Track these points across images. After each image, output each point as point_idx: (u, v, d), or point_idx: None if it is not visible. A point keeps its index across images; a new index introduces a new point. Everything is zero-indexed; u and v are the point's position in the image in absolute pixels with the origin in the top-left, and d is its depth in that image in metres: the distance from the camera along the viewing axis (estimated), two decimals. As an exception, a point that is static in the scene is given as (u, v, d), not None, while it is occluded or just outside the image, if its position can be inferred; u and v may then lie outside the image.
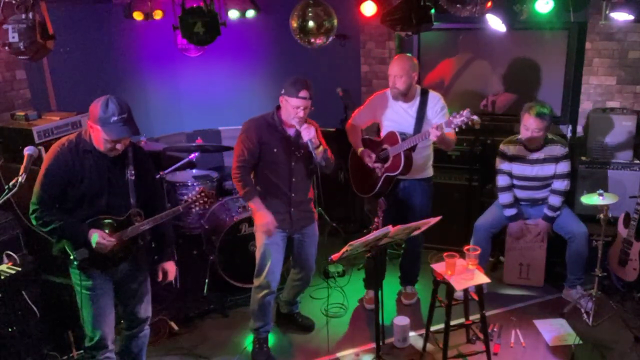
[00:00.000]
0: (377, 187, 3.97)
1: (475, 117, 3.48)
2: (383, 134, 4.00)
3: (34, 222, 2.77)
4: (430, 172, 4.09)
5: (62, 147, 2.76)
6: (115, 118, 2.63)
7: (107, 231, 2.80)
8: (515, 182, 4.20)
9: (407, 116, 3.88)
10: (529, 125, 3.94)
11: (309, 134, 3.25)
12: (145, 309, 3.15)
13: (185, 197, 3.07)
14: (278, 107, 3.44)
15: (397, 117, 3.90)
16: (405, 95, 3.83)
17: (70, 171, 2.72)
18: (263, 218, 3.42)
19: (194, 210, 3.15)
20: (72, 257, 2.78)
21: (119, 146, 2.74)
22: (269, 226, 3.42)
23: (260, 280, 3.58)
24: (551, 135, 4.09)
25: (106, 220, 2.82)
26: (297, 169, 3.48)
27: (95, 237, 2.74)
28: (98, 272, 2.89)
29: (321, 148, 3.38)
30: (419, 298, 4.35)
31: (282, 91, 3.33)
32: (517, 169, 4.15)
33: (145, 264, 3.09)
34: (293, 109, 3.28)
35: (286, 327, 4.05)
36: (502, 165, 4.19)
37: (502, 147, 4.20)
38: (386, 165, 3.92)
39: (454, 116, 3.53)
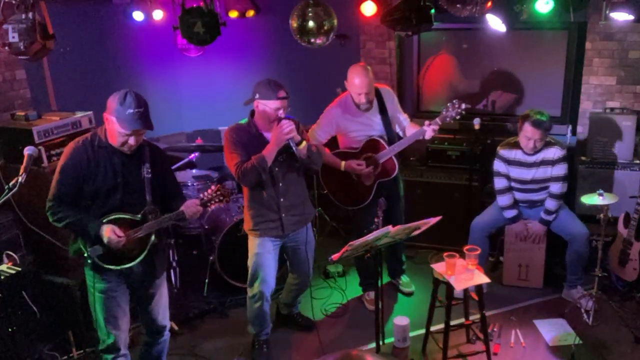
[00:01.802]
0: (372, 195, 3.97)
1: (469, 105, 3.73)
2: (351, 144, 4.00)
3: (50, 219, 2.79)
4: None
5: (77, 145, 2.79)
6: (131, 111, 2.65)
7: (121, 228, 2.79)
8: (513, 184, 4.19)
9: (372, 122, 3.95)
10: (531, 135, 3.90)
11: (286, 130, 3.15)
12: (164, 316, 3.15)
13: (201, 195, 3.00)
14: (252, 114, 3.37)
15: (363, 126, 3.95)
16: (371, 103, 3.91)
17: (85, 167, 2.74)
18: (279, 129, 3.19)
19: (210, 209, 3.09)
20: (86, 255, 2.77)
21: (131, 140, 2.73)
22: (289, 129, 3.19)
23: (254, 290, 3.55)
24: (549, 138, 4.06)
25: (121, 217, 2.81)
26: (282, 173, 3.39)
27: (106, 231, 2.73)
28: (113, 274, 2.87)
29: (304, 143, 3.28)
30: (419, 298, 4.35)
31: (257, 96, 3.24)
32: (515, 172, 4.13)
33: (161, 268, 3.07)
34: (273, 111, 3.21)
35: (286, 327, 4.04)
36: (500, 167, 4.17)
37: (500, 150, 4.17)
38: (377, 172, 3.95)
39: (447, 109, 3.73)
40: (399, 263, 4.46)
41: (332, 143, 4.13)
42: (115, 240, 2.74)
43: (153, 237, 2.91)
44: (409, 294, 4.40)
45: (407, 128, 4.05)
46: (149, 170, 2.86)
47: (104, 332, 2.94)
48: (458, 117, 3.75)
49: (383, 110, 3.95)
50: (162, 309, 3.13)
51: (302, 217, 3.55)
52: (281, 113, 3.22)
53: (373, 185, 3.98)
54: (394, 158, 3.93)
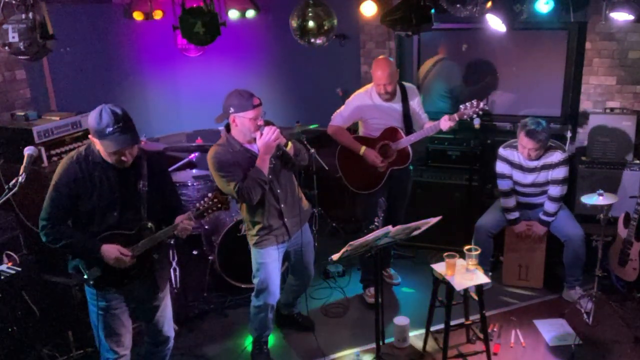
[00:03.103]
0: (383, 181, 4.13)
1: (486, 107, 3.88)
2: (370, 131, 4.14)
3: (43, 239, 2.69)
4: None
5: (71, 161, 2.67)
6: (110, 129, 2.51)
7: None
8: (515, 187, 4.19)
9: (394, 112, 4.10)
10: (525, 144, 3.93)
11: (273, 137, 3.10)
12: (169, 326, 3.12)
13: (197, 205, 2.86)
14: (227, 130, 3.26)
15: (385, 115, 4.09)
16: (393, 95, 4.07)
17: (80, 185, 2.63)
18: (267, 138, 3.12)
19: (207, 218, 2.98)
20: (85, 277, 2.70)
21: (124, 157, 2.63)
22: (275, 135, 3.14)
23: (260, 302, 3.52)
24: (551, 142, 4.05)
25: (120, 235, 2.72)
26: (277, 179, 3.33)
27: (114, 253, 2.66)
28: (114, 291, 2.81)
29: (290, 144, 3.26)
30: (419, 298, 4.35)
31: (231, 110, 3.11)
32: (516, 175, 4.15)
33: (164, 281, 3.02)
34: (251, 121, 3.11)
35: (286, 327, 4.04)
36: (504, 169, 4.17)
37: (502, 151, 4.17)
38: (391, 160, 4.10)
39: (466, 107, 3.88)
40: (387, 255, 4.55)
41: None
42: (125, 259, 2.68)
43: (155, 256, 2.86)
44: (397, 284, 4.56)
45: (426, 124, 4.14)
46: (145, 184, 2.76)
47: (106, 349, 2.89)
48: (475, 116, 3.89)
49: (405, 103, 4.12)
50: (167, 320, 3.09)
51: (301, 216, 3.53)
52: (260, 121, 3.15)
53: (385, 172, 4.12)
54: (409, 149, 4.08)
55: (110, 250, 2.67)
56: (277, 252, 3.45)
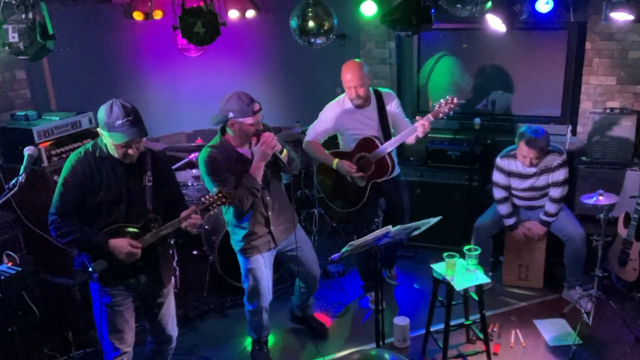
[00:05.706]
0: (366, 197, 3.95)
1: (462, 101, 3.67)
2: (348, 143, 3.98)
3: (52, 234, 2.73)
4: (398, 168, 4.13)
5: (79, 156, 2.73)
6: (119, 122, 2.59)
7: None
8: (514, 192, 4.19)
9: (369, 121, 3.91)
10: (526, 154, 3.89)
11: (271, 144, 3.06)
12: (173, 325, 3.13)
13: (203, 199, 2.88)
14: (223, 132, 3.23)
15: (360, 124, 3.91)
16: (366, 100, 3.88)
17: (88, 180, 2.69)
18: (265, 145, 3.11)
19: (212, 212, 3.00)
20: (90, 270, 2.72)
21: (130, 151, 2.69)
22: (273, 142, 3.12)
23: (253, 307, 3.52)
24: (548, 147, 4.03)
25: (127, 229, 2.76)
26: (267, 188, 3.30)
27: (125, 247, 2.68)
28: (119, 287, 2.83)
29: (285, 151, 3.20)
30: (419, 298, 4.35)
31: (230, 115, 3.06)
32: (515, 182, 4.14)
33: (168, 277, 3.05)
34: (251, 127, 3.07)
35: (294, 329, 4.03)
36: (500, 179, 4.15)
37: (499, 161, 4.13)
38: (370, 172, 3.92)
39: (440, 104, 3.69)
40: (393, 255, 4.49)
41: (330, 142, 4.13)
42: (135, 252, 2.70)
43: (160, 248, 2.88)
44: (397, 284, 4.53)
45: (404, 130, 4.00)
46: (150, 179, 2.82)
47: (108, 345, 2.90)
48: (451, 112, 3.72)
49: (382, 110, 3.92)
50: (171, 318, 3.11)
51: (290, 224, 3.46)
52: (259, 126, 3.11)
53: (367, 186, 3.95)
54: (387, 158, 3.89)
55: (121, 245, 2.70)
56: (262, 258, 3.42)
